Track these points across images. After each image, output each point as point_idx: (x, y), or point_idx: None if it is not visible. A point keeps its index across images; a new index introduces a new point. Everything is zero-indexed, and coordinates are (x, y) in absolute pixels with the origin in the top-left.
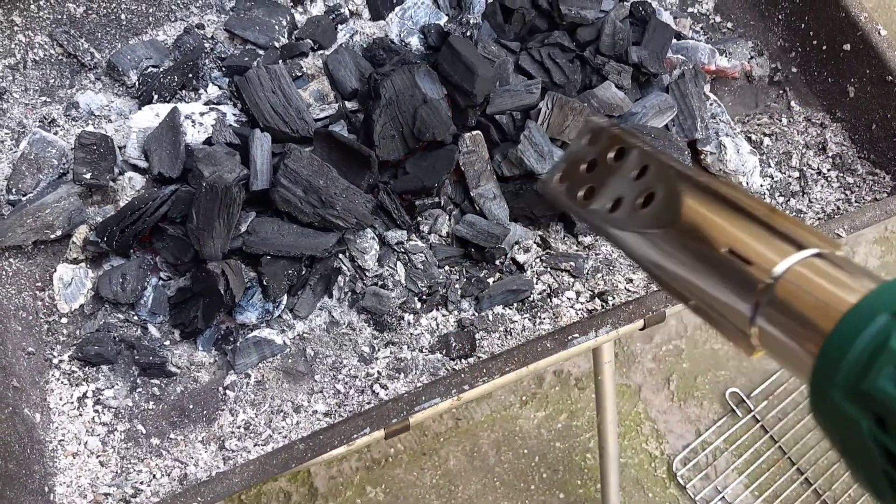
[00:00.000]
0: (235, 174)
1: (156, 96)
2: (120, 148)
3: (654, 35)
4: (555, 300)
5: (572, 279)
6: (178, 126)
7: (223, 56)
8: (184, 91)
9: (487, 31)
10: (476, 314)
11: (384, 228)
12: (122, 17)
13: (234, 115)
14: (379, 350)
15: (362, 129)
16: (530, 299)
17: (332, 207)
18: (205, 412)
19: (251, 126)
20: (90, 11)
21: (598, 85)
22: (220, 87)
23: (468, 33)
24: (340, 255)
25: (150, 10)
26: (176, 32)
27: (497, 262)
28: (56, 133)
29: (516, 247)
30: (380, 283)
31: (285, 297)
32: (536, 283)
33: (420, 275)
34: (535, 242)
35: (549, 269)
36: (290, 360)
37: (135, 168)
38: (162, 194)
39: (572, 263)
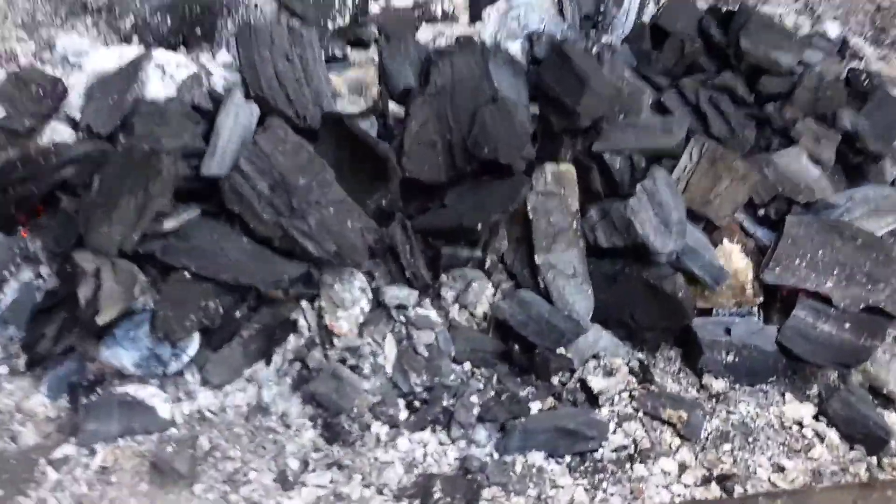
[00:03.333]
0: (181, 143)
1: (140, 42)
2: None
3: (880, 108)
4: (640, 467)
5: (679, 441)
6: (137, 74)
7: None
8: (186, 47)
9: (626, 56)
10: (496, 455)
11: (385, 279)
12: None
13: (226, 77)
14: (313, 472)
15: (398, 136)
16: (597, 455)
17: (301, 219)
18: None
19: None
20: None
21: (780, 149)
22: (232, 56)
23: (595, 50)
24: (303, 303)
25: None
26: None
27: (554, 379)
28: None
29: (593, 363)
30: (351, 361)
31: (195, 344)
32: (614, 432)
33: (420, 365)
34: (626, 365)
35: (640, 415)
36: (168, 449)
37: (72, 121)
38: (70, 151)
39: (683, 415)
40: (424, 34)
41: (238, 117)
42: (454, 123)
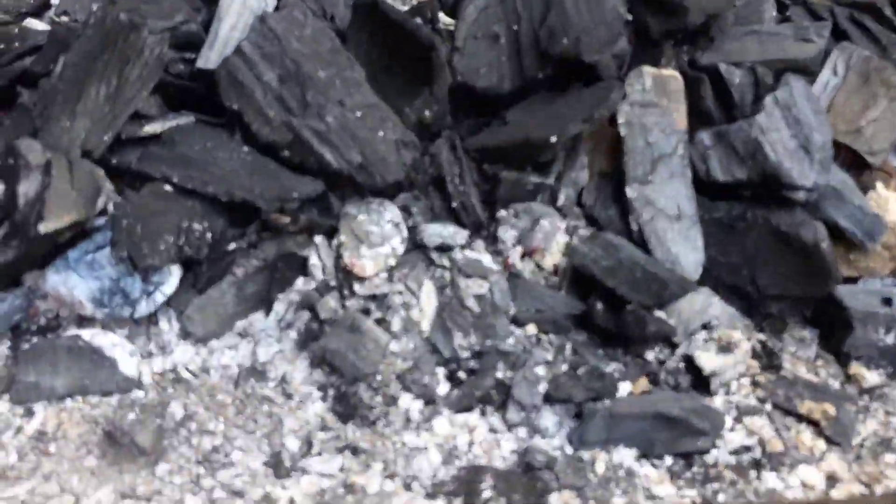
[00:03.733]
0: (171, 23)
1: None
2: None
3: None
4: (770, 477)
5: (823, 444)
6: None
7: None
8: None
9: None
10: (568, 449)
11: (425, 217)
12: None
13: None
14: (318, 455)
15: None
16: (708, 458)
17: (318, 118)
18: None
19: None
20: None
21: None
22: None
23: None
24: (317, 238)
25: None
26: None
27: (649, 354)
28: None
29: (702, 335)
30: (376, 313)
31: (174, 280)
32: (732, 428)
33: (467, 324)
34: (746, 340)
35: (768, 408)
36: (129, 416)
37: (53, 21)
38: (32, 34)
39: (830, 410)
40: None
41: (247, 1)
42: (523, 10)
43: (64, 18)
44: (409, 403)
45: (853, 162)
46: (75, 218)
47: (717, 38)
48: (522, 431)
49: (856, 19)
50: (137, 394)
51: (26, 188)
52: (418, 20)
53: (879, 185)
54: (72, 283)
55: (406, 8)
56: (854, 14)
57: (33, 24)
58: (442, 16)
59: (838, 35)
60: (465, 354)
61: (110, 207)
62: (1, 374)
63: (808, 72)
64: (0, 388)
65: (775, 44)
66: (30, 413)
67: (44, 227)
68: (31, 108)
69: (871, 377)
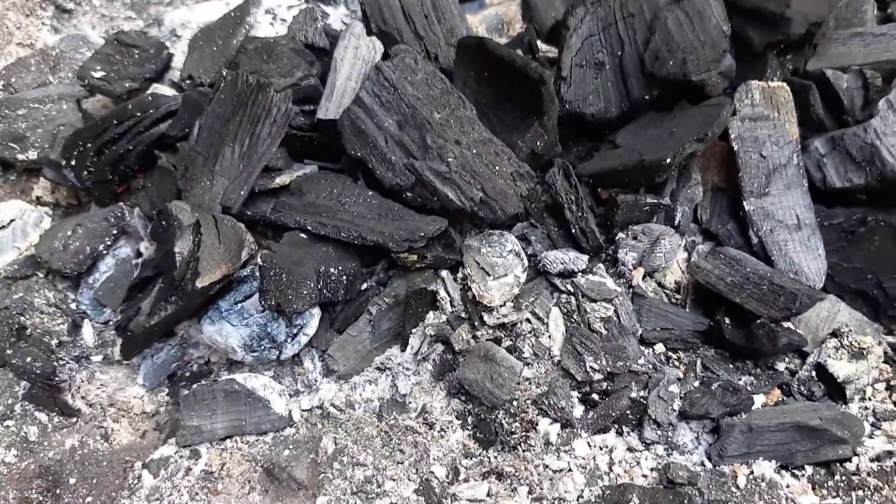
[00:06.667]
0: (292, 79)
1: None
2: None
3: None
4: None
5: None
6: (244, 18)
7: None
8: None
9: None
10: (708, 464)
11: (543, 244)
12: None
13: (344, 21)
14: (465, 482)
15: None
16: (850, 466)
17: (438, 160)
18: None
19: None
20: None
21: None
22: (352, 10)
23: None
24: (443, 273)
25: None
26: None
27: (779, 365)
28: None
29: (832, 343)
30: (507, 341)
31: (315, 321)
32: (871, 435)
33: (597, 347)
34: (877, 345)
35: None
36: (284, 452)
37: (178, 87)
38: (166, 100)
39: None
40: None
41: (358, 51)
42: (627, 35)
43: (188, 81)
44: (548, 427)
45: None
46: (225, 272)
47: (820, 43)
48: (660, 449)
49: None
50: (290, 431)
51: (181, 247)
52: (522, 53)
53: None
54: (226, 332)
55: (504, 39)
56: None
57: (161, 89)
58: (539, 43)
59: None
60: (597, 377)
61: (258, 259)
62: (163, 419)
63: None
64: (165, 432)
65: (881, 45)
66: (196, 455)
67: (200, 282)
68: (172, 170)
69: None
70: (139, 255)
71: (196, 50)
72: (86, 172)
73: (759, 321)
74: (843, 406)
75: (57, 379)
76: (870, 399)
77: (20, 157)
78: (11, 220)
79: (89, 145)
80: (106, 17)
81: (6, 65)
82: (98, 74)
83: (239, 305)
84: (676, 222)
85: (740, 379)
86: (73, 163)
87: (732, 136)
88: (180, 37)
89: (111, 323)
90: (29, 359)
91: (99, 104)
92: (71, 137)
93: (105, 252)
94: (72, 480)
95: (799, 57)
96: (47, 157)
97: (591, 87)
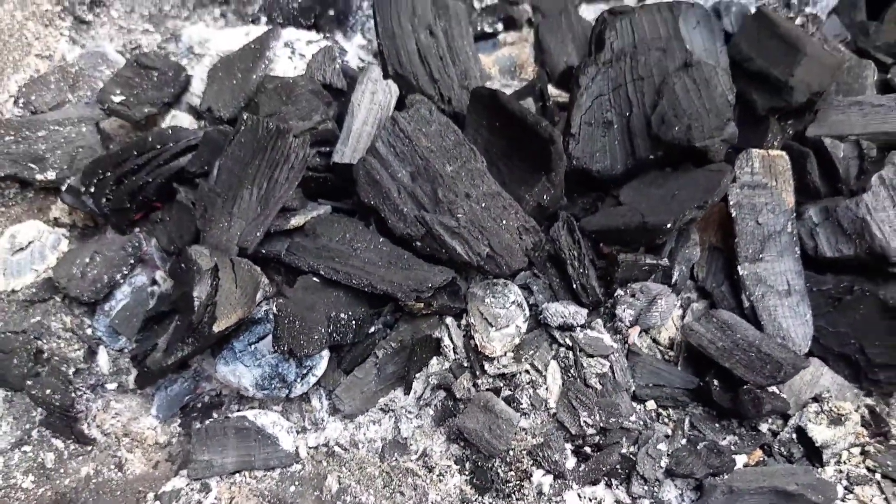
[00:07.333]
0: (310, 123)
1: (267, 20)
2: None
3: None
4: None
5: None
6: (264, 52)
7: None
8: (317, 30)
9: (835, 29)
10: None
11: (545, 294)
12: None
13: (361, 58)
14: None
15: (561, 119)
16: None
17: (448, 214)
18: None
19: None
20: None
21: None
22: (367, 40)
23: (798, 22)
24: (448, 320)
25: None
26: None
27: (762, 426)
28: None
29: (813, 407)
30: (506, 391)
31: (324, 363)
32: (844, 499)
33: (591, 401)
34: (856, 412)
35: (878, 478)
36: (290, 488)
37: (195, 111)
38: (188, 135)
39: None
40: (586, 14)
41: (375, 96)
42: (636, 97)
43: (207, 113)
44: (541, 478)
45: None
46: (241, 315)
47: (821, 109)
48: (646, 503)
49: None
50: (296, 467)
51: (199, 292)
52: (534, 101)
53: None
54: (239, 373)
55: (517, 82)
56: None
57: (180, 116)
58: (550, 87)
59: None
60: (590, 431)
61: (273, 307)
62: (175, 449)
63: None
64: (176, 463)
65: (879, 116)
66: (206, 488)
67: (217, 327)
68: (190, 206)
69: None
70: (154, 283)
71: (216, 81)
72: (104, 200)
73: (745, 387)
74: (820, 469)
75: (75, 410)
76: (845, 463)
77: (39, 177)
78: (30, 242)
79: (109, 174)
80: (124, 28)
81: (26, 81)
82: (118, 99)
83: (252, 347)
84: (673, 281)
85: (725, 438)
86: (92, 190)
87: (731, 203)
88: (198, 55)
89: (126, 351)
90: (48, 391)
91: (116, 124)
92: (91, 165)
93: (122, 281)
94: None
95: (800, 121)
96: (67, 183)
97: (598, 145)
